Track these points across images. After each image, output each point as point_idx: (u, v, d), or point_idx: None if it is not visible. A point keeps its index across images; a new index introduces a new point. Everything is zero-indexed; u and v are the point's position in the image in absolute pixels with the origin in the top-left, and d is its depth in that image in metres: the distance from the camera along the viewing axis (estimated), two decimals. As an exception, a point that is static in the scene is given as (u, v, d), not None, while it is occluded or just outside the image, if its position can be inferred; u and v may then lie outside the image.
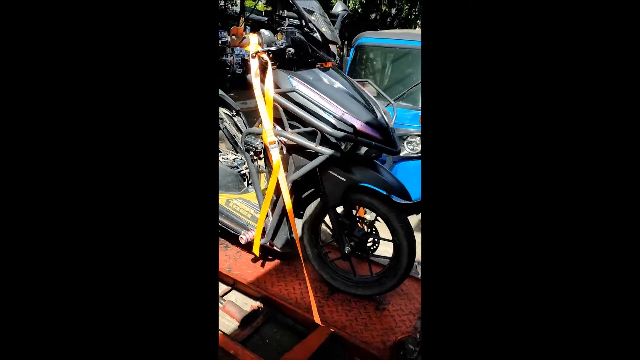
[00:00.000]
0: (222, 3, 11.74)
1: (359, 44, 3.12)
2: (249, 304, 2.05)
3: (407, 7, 10.43)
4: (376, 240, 1.42)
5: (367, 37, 3.11)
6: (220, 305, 2.03)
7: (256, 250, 1.50)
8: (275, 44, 1.21)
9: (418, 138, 2.67)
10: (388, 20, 13.68)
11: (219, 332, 1.74)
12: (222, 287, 2.22)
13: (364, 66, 3.22)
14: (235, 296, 2.18)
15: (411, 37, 2.93)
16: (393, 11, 12.93)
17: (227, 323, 1.96)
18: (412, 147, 2.70)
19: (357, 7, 8.89)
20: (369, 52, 3.19)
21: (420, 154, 2.70)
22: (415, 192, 2.91)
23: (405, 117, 2.72)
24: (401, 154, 2.73)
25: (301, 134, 1.23)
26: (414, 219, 3.23)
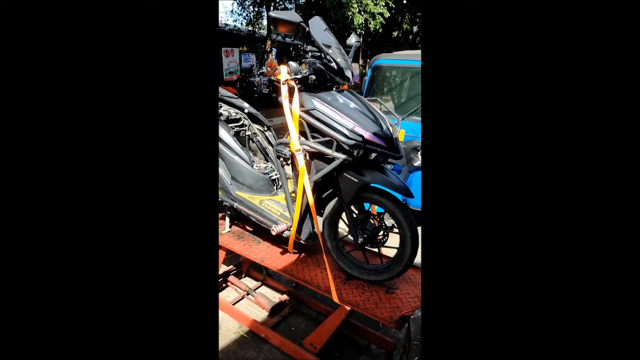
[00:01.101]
0: (250, 28, 12.53)
1: (375, 65, 3.42)
2: (277, 297, 2.32)
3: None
4: (385, 233, 1.66)
5: (383, 59, 3.40)
6: (252, 297, 2.32)
7: (290, 248, 1.79)
8: (301, 73, 1.53)
9: (431, 149, 2.90)
10: (410, 37, 14.02)
11: (251, 319, 2.02)
12: (254, 282, 2.50)
13: (380, 85, 3.50)
14: (264, 290, 2.45)
15: (424, 57, 3.20)
16: (415, 29, 13.26)
17: (258, 312, 2.24)
18: (425, 157, 2.93)
19: (378, 27, 9.29)
20: (385, 72, 3.47)
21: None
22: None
23: (418, 130, 2.96)
24: (415, 164, 2.96)
25: (321, 143, 1.52)
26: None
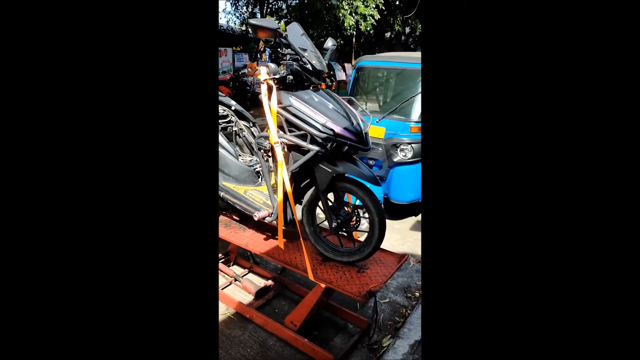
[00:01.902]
0: (243, 28, 12.67)
1: (359, 66, 3.59)
2: (263, 283, 2.49)
3: (420, 25, 10.92)
4: (357, 219, 1.84)
5: (366, 60, 3.58)
6: (239, 283, 2.48)
7: (281, 243, 1.91)
8: (279, 73, 1.70)
9: (409, 146, 3.08)
10: (402, 38, 14.24)
11: (237, 301, 2.18)
12: (241, 270, 2.66)
13: (364, 85, 3.68)
14: (251, 277, 2.62)
15: (404, 59, 3.38)
16: (407, 30, 13.48)
17: (244, 297, 2.40)
18: (404, 153, 3.11)
19: (369, 29, 9.48)
20: (368, 73, 3.65)
21: (411, 160, 3.10)
22: (409, 193, 3.29)
23: (397, 128, 3.14)
24: (395, 160, 3.14)
25: (297, 136, 1.69)
26: (411, 220, 3.60)
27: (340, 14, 8.93)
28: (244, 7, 11.93)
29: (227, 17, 23.01)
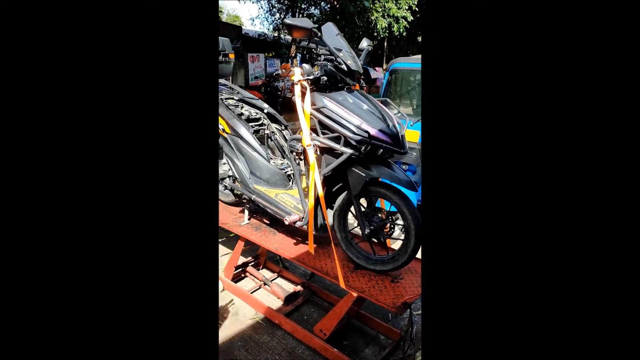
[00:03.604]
0: (276, 34, 12.86)
1: (392, 68, 3.50)
2: (292, 288, 2.45)
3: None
4: (391, 226, 1.75)
5: (400, 62, 3.49)
6: (268, 287, 2.45)
7: (311, 248, 1.88)
8: (313, 74, 1.66)
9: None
10: (436, 41, 13.92)
11: (266, 306, 2.15)
12: (270, 274, 2.64)
13: (397, 87, 3.58)
14: (280, 281, 2.59)
15: (440, 60, 3.26)
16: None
17: (273, 301, 2.37)
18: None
19: (402, 31, 9.33)
20: (401, 75, 3.55)
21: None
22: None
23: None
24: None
25: (330, 138, 1.64)
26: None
27: (373, 17, 8.85)
28: (277, 14, 12.12)
29: (260, 21, 23.50)
